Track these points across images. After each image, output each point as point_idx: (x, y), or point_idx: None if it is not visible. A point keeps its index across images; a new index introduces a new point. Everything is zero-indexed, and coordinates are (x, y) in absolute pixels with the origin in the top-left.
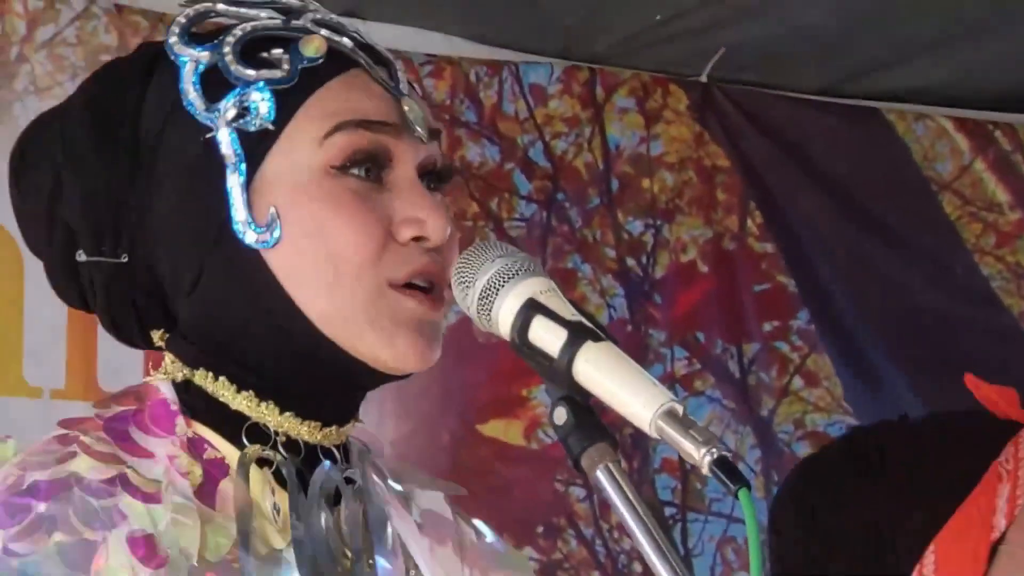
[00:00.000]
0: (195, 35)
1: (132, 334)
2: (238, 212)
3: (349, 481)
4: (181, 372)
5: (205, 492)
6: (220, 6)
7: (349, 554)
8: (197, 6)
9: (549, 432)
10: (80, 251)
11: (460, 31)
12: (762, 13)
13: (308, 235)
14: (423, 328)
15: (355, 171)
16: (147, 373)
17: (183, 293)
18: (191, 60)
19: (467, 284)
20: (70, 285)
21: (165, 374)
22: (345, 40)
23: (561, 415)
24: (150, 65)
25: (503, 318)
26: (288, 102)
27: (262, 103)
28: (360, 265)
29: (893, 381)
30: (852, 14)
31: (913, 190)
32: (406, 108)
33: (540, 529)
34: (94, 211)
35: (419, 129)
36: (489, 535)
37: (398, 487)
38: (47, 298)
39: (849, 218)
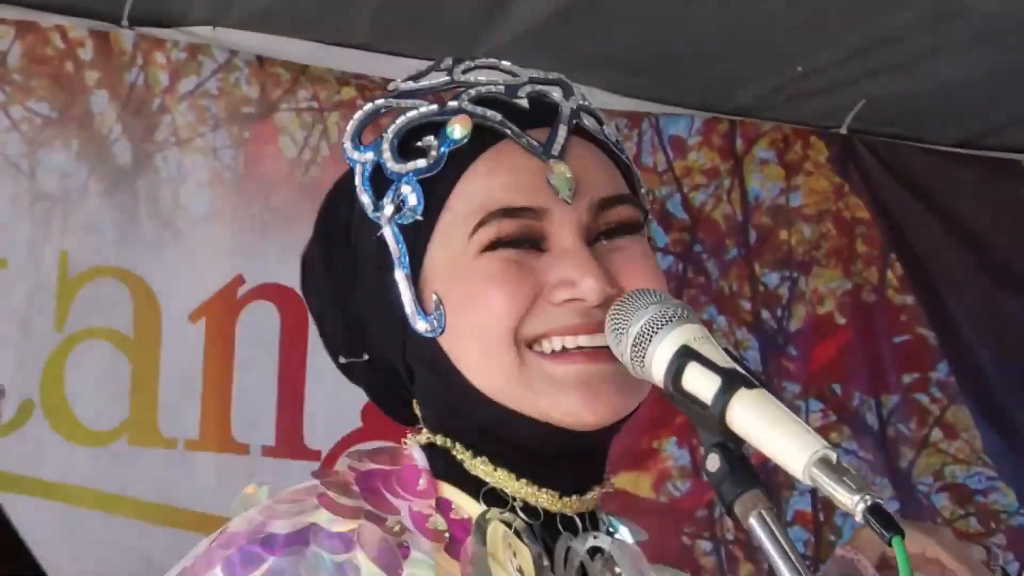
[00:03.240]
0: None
1: (400, 417)
2: (407, 305)
3: (595, 551)
4: (427, 436)
5: (452, 551)
6: (382, 101)
7: None
8: (366, 107)
9: (678, 485)
10: (340, 356)
11: (600, 83)
12: (903, 66)
13: (463, 312)
14: (589, 382)
15: (509, 244)
16: (280, 426)
17: (409, 381)
18: (359, 163)
19: (621, 331)
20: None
21: (416, 439)
22: (491, 112)
23: (714, 462)
24: None
25: (657, 365)
26: (437, 191)
27: (411, 196)
28: (503, 331)
29: None
30: (993, 67)
31: None
32: (550, 173)
33: None
34: (330, 321)
35: (565, 192)
36: None
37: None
38: (183, 352)
39: (989, 270)
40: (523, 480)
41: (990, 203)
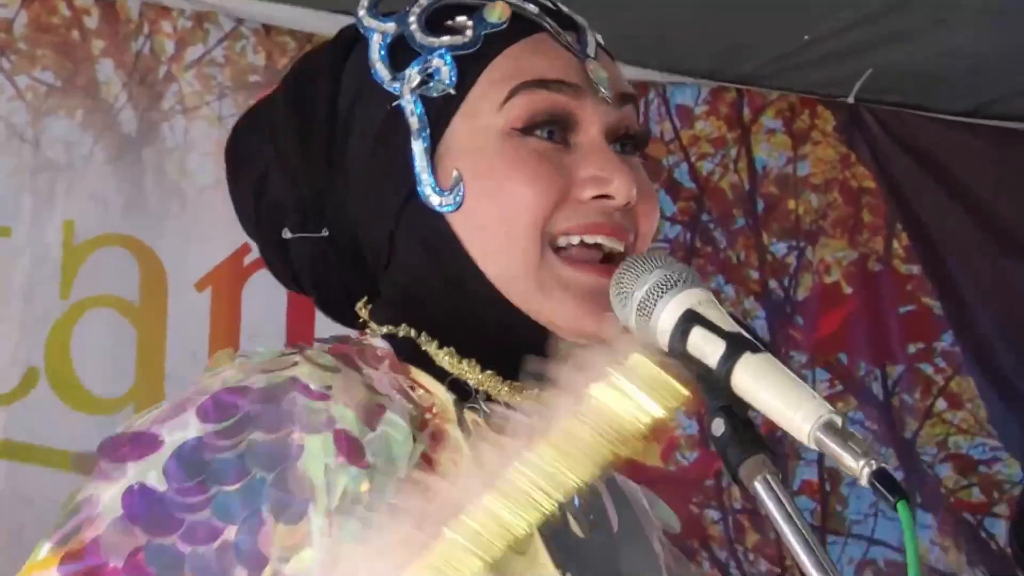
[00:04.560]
0: (384, 9)
1: (342, 310)
2: (423, 177)
3: None
4: (387, 328)
5: (420, 425)
6: None
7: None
8: None
9: (686, 454)
10: (286, 229)
11: None
12: (910, 35)
13: (487, 196)
14: (599, 295)
15: (538, 132)
16: None
17: (381, 264)
18: (378, 32)
19: (626, 295)
20: (281, 265)
21: (374, 332)
22: (530, 6)
23: (719, 426)
24: (347, 46)
25: (661, 329)
26: (470, 68)
27: (444, 68)
28: (531, 224)
29: None
30: (1001, 36)
31: None
32: (590, 69)
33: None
34: (296, 189)
35: (603, 90)
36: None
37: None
38: (189, 320)
39: (995, 240)
40: (488, 372)
41: (997, 172)
